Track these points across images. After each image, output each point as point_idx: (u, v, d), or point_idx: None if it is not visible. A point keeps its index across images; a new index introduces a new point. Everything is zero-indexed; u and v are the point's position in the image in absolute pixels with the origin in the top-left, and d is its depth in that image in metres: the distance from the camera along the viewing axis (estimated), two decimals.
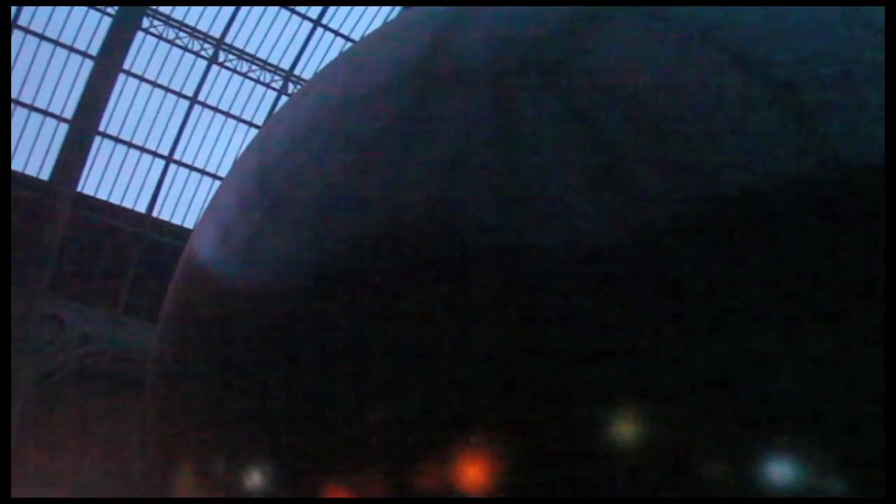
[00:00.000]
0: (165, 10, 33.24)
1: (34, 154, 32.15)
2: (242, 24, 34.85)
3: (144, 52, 33.61)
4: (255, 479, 4.71)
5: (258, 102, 36.01)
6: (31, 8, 30.95)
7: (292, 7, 35.07)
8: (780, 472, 3.84)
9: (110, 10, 32.08)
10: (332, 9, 35.86)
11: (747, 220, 3.95)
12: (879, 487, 3.80)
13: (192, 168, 35.42)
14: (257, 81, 35.75)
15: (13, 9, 30.65)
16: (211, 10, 34.11)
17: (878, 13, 4.81)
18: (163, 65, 34.22)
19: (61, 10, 31.41)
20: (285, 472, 4.52)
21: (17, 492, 29.77)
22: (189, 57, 34.48)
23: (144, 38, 33.31)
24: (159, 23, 33.31)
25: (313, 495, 4.35)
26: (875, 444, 3.83)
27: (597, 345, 3.89)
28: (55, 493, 31.52)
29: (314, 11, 35.74)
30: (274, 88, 35.96)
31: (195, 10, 33.87)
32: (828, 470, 3.85)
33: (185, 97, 34.92)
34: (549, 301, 3.95)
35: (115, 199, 34.00)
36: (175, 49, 34.07)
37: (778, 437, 3.84)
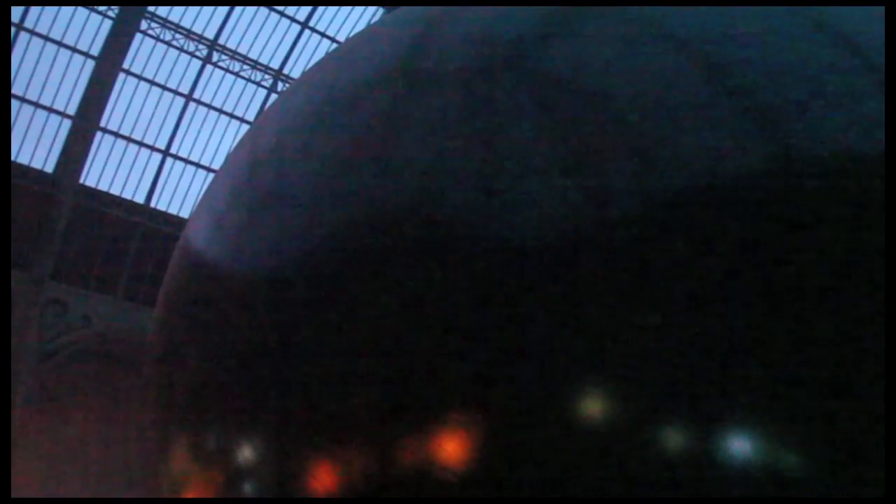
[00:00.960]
0: (162, 12, 33.48)
1: (39, 148, 32.41)
2: (235, 25, 35.12)
3: (143, 52, 33.86)
4: (244, 452, 4.72)
5: (249, 100, 36.18)
6: (37, 11, 31.28)
7: (281, 10, 35.06)
8: (738, 447, 3.86)
9: (111, 13, 32.30)
10: (319, 11, 36.08)
11: (704, 210, 3.96)
12: (834, 465, 3.82)
13: (187, 161, 35.58)
14: (248, 80, 35.87)
15: (20, 11, 30.94)
16: (205, 13, 34.42)
17: (827, 14, 4.84)
18: (160, 64, 34.45)
19: (65, 13, 31.71)
20: (272, 444, 4.53)
21: (25, 459, 30.10)
22: (185, 57, 34.69)
23: (143, 39, 33.52)
24: (157, 25, 33.53)
25: (299, 467, 4.35)
26: (830, 423, 3.84)
27: (566, 326, 3.90)
28: (59, 459, 31.62)
29: (302, 14, 35.97)
30: (264, 87, 36.07)
31: (191, 12, 34.17)
32: (786, 448, 3.87)
33: (181, 95, 35.10)
34: (523, 284, 3.96)
35: (115, 191, 34.19)
36: (171, 50, 34.30)
37: (736, 415, 3.86)
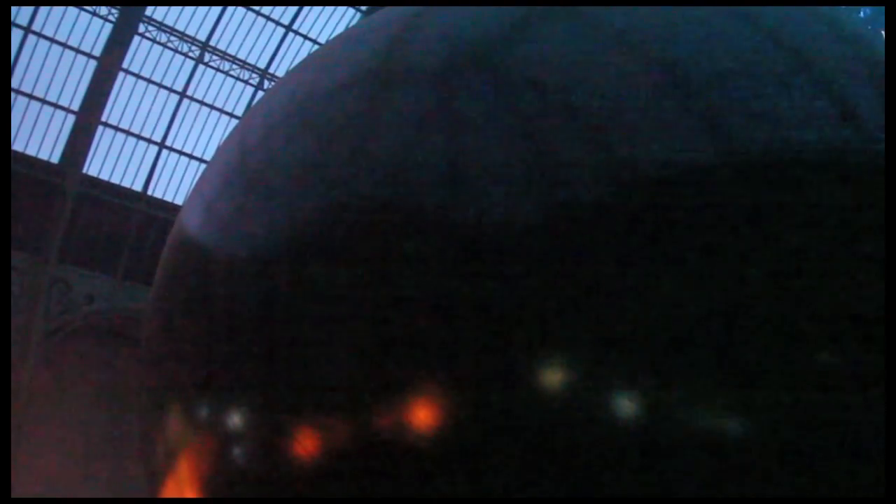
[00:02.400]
0: (159, 16, 33.43)
1: (46, 140, 32.42)
2: (225, 28, 35.02)
3: (141, 53, 33.82)
4: (233, 420, 4.71)
5: (238, 96, 36.09)
6: (44, 15, 31.37)
7: (267, 14, 35.18)
8: (688, 416, 3.85)
9: (111, 17, 32.33)
10: (302, 15, 36.06)
11: (656, 198, 3.97)
12: (778, 430, 3.82)
13: (181, 153, 35.46)
14: (237, 79, 35.77)
15: (28, 16, 31.08)
16: (198, 17, 34.33)
17: (763, 13, 4.86)
18: (156, 64, 34.33)
19: (69, 17, 31.78)
20: (258, 412, 4.52)
21: (32, 431, 30.03)
22: (179, 57, 34.61)
23: (140, 41, 33.44)
24: (153, 28, 33.46)
25: (284, 435, 4.35)
26: (774, 392, 3.85)
27: (530, 304, 3.89)
28: (65, 429, 31.67)
29: (287, 17, 35.88)
30: (252, 85, 36.00)
31: (184, 16, 34.06)
32: (731, 413, 3.87)
33: (175, 92, 35.00)
34: (489, 267, 3.96)
35: (115, 180, 34.14)
36: (167, 50, 34.21)
37: (687, 385, 3.86)
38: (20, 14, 30.66)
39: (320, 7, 36.46)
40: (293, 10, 36.06)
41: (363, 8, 37.08)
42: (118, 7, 32.32)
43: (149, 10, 33.09)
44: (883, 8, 39.67)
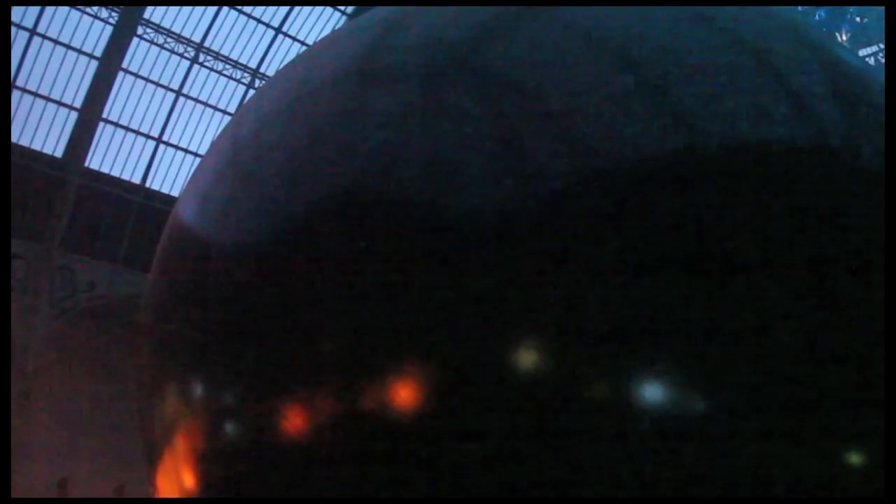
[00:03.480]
0: (156, 18, 33.65)
1: (50, 136, 32.59)
2: (218, 30, 35.28)
3: (139, 53, 34.01)
4: (226, 397, 4.71)
5: (231, 94, 36.24)
6: (48, 17, 31.57)
7: (258, 17, 35.43)
8: (652, 393, 3.85)
9: (111, 19, 32.58)
10: (291, 18, 36.33)
11: (624, 188, 3.97)
12: (734, 410, 3.82)
13: (177, 147, 35.59)
14: (230, 78, 35.94)
15: (33, 18, 31.30)
16: (193, 19, 34.61)
17: (722, 15, 4.89)
18: (154, 64, 34.54)
19: (72, 19, 32.03)
20: (250, 390, 4.52)
21: (41, 408, 30.07)
22: (175, 58, 34.78)
23: (139, 42, 33.65)
24: (151, 30, 33.66)
25: (275, 412, 4.34)
26: (735, 367, 3.85)
27: (502, 290, 3.89)
28: (68, 403, 31.94)
29: (277, 20, 36.17)
30: (243, 83, 36.14)
31: (180, 19, 34.29)
32: (693, 389, 3.87)
33: (172, 90, 35.15)
34: (466, 255, 3.96)
35: (115, 172, 34.30)
36: (164, 51, 34.42)
37: (648, 362, 3.86)
38: (26, 17, 30.93)
39: (308, 10, 36.81)
40: (283, 13, 36.33)
41: (348, 10, 37.26)
42: (118, 10, 32.59)
43: (147, 13, 33.32)
44: (837, 11, 39.91)
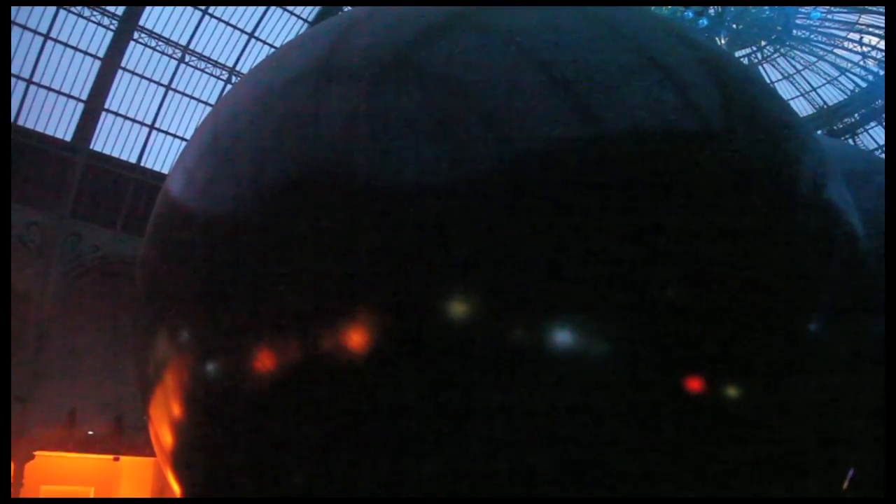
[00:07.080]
0: (150, 25, 33.76)
1: (61, 122, 32.85)
2: (201, 35, 35.45)
3: (135, 54, 34.11)
4: (207, 342, 4.70)
5: (212, 89, 36.31)
6: (60, 24, 31.81)
7: (235, 24, 35.54)
8: (564, 337, 3.86)
9: (112, 26, 32.83)
10: (262, 24, 36.53)
11: (538, 170, 3.99)
12: (635, 354, 3.85)
13: (167, 133, 35.66)
14: (211, 75, 36.03)
15: (47, 24, 31.60)
16: (180, 26, 34.82)
17: (622, 22, 4.92)
18: (147, 63, 34.68)
19: (79, 26, 32.28)
20: (227, 336, 4.51)
21: (48, 355, 29.78)
22: (165, 58, 34.93)
23: (135, 45, 33.77)
24: (145, 35, 33.81)
25: (246, 354, 4.35)
26: (631, 316, 3.87)
27: (438, 250, 3.90)
28: (75, 351, 31.68)
29: (250, 26, 36.31)
30: (222, 79, 36.13)
31: (170, 25, 34.49)
32: (597, 337, 3.89)
33: (162, 85, 35.25)
34: (405, 221, 3.96)
35: (115, 153, 34.49)
36: (156, 53, 34.50)
37: (560, 315, 3.88)
38: (41, 23, 31.39)
39: (277, 17, 36.93)
40: (256, 20, 36.47)
41: (309, 18, 37.25)
42: (117, 18, 32.78)
43: (142, 20, 33.45)
44: (718, 19, 40.19)
